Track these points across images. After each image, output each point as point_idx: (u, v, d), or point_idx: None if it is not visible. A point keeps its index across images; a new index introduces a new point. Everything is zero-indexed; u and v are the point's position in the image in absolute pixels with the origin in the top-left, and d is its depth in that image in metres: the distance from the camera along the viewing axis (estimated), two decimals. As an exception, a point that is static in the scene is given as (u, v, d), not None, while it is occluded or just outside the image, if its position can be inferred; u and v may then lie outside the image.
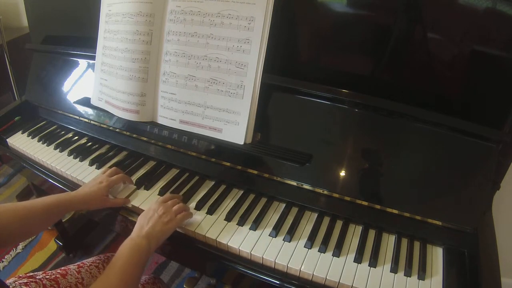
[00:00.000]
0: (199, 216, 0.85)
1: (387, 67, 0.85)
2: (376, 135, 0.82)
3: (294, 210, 0.87)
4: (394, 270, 0.73)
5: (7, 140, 1.17)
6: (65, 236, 1.57)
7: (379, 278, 0.71)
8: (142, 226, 0.74)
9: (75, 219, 1.69)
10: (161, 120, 0.99)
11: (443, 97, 0.82)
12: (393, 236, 0.81)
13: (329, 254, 0.76)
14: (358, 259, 0.75)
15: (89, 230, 1.70)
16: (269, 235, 0.80)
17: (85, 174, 0.99)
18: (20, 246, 1.64)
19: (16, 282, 0.75)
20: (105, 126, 1.08)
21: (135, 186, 0.94)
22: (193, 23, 0.90)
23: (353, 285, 0.70)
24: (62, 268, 0.85)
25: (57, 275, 0.81)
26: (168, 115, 0.97)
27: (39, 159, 1.08)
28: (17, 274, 1.00)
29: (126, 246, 0.69)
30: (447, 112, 0.77)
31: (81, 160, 1.04)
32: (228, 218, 0.84)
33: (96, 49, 1.06)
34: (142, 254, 0.69)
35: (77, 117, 1.14)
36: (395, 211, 0.79)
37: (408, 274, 0.72)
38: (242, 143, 0.89)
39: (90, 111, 1.11)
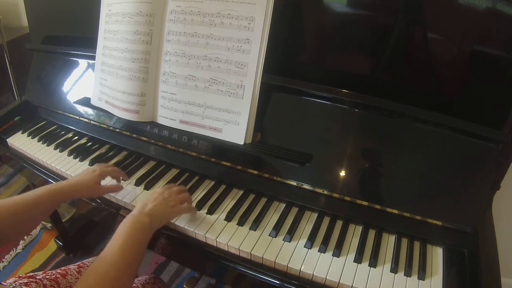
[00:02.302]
0: (199, 216, 0.85)
1: (387, 67, 0.85)
2: (376, 135, 0.82)
3: (294, 210, 0.86)
4: (394, 270, 0.73)
5: (7, 140, 1.17)
6: (65, 236, 1.57)
7: (379, 278, 0.71)
8: (145, 204, 0.73)
9: (75, 219, 1.70)
10: (161, 120, 0.99)
11: (443, 97, 0.82)
12: (393, 236, 0.81)
13: (329, 254, 0.76)
14: (358, 259, 0.75)
15: (89, 230, 1.71)
16: (269, 235, 0.80)
17: (85, 174, 0.99)
18: (20, 246, 1.64)
19: (16, 282, 0.75)
20: (105, 126, 1.08)
21: (135, 186, 0.94)
22: (193, 23, 0.90)
23: (353, 285, 0.70)
24: (62, 268, 0.85)
25: (57, 275, 0.81)
26: (168, 115, 0.97)
27: (39, 159, 1.08)
28: (17, 274, 1.01)
29: (127, 223, 0.67)
30: (447, 112, 0.77)
31: (81, 160, 1.04)
32: (228, 218, 0.84)
33: (96, 49, 1.06)
34: (143, 232, 0.67)
35: (77, 117, 1.14)
36: (395, 211, 0.79)
37: (408, 274, 0.72)
38: (242, 143, 0.89)
39: (90, 111, 1.11)
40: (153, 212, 0.71)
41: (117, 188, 0.89)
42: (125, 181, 0.94)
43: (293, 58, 0.91)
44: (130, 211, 0.89)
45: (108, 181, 0.93)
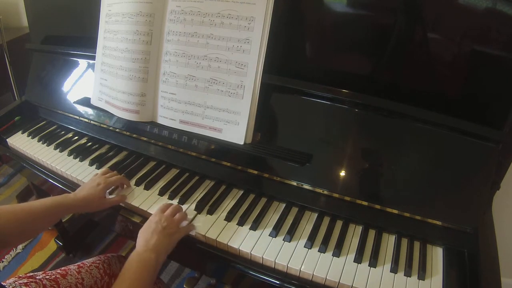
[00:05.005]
0: (199, 217, 0.85)
1: (387, 67, 0.84)
2: (376, 135, 0.82)
3: (294, 210, 0.86)
4: (394, 270, 0.73)
5: (7, 140, 1.17)
6: (65, 236, 1.57)
7: (379, 278, 0.72)
8: (147, 239, 0.72)
9: (75, 219, 1.69)
10: (161, 120, 0.99)
11: (443, 97, 0.82)
12: (393, 236, 0.81)
13: (329, 254, 0.76)
14: (358, 259, 0.75)
15: (89, 230, 1.71)
16: (269, 235, 0.80)
17: (85, 174, 0.99)
18: (20, 246, 1.64)
19: (16, 282, 0.75)
20: (105, 126, 1.08)
21: (135, 186, 0.94)
22: (193, 23, 0.90)
23: (353, 285, 0.70)
24: (62, 268, 0.85)
25: (57, 275, 0.81)
26: (168, 115, 0.97)
27: (39, 159, 1.08)
28: (17, 274, 1.01)
29: (133, 261, 0.67)
30: (447, 112, 0.77)
31: (81, 160, 1.04)
32: (228, 218, 0.84)
33: (96, 49, 1.06)
34: (150, 269, 0.67)
35: (77, 117, 1.14)
36: (395, 211, 0.79)
37: (408, 274, 0.72)
38: (242, 143, 0.89)
39: (90, 111, 1.11)
40: (157, 246, 0.71)
41: (122, 200, 0.89)
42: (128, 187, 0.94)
43: (293, 58, 0.91)
44: (129, 211, 0.89)
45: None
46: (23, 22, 1.85)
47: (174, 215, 0.80)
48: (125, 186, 0.93)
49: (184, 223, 0.82)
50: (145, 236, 0.73)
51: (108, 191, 0.90)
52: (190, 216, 0.84)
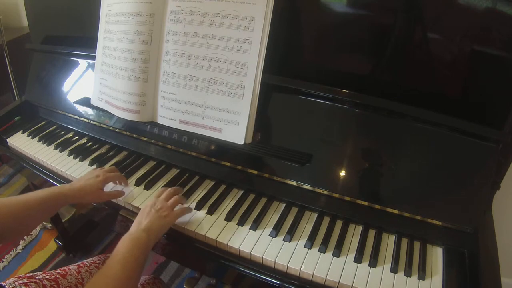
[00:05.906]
0: (199, 216, 0.85)
1: (387, 67, 0.84)
2: (376, 135, 0.82)
3: (294, 210, 0.87)
4: (394, 270, 0.73)
5: (7, 140, 1.17)
6: (65, 236, 1.57)
7: (379, 278, 0.71)
8: (140, 222, 0.74)
9: (75, 219, 1.69)
10: (161, 120, 0.99)
11: (443, 97, 0.82)
12: (393, 236, 0.81)
13: (329, 254, 0.76)
14: (358, 259, 0.75)
15: (89, 230, 1.71)
16: (269, 235, 0.80)
17: (85, 174, 0.99)
18: (20, 246, 1.64)
19: (16, 282, 0.75)
20: (105, 126, 1.08)
21: (135, 186, 0.94)
22: (193, 23, 0.90)
23: (353, 285, 0.70)
24: (62, 268, 0.85)
25: (57, 276, 0.81)
26: (168, 115, 0.97)
27: (39, 159, 1.08)
28: (17, 274, 1.01)
29: (125, 241, 0.69)
30: (447, 112, 0.77)
31: (81, 160, 1.04)
32: (228, 218, 0.84)
33: (96, 49, 1.06)
34: (141, 247, 0.68)
35: (77, 117, 1.14)
36: (395, 211, 0.79)
37: (408, 274, 0.72)
38: (242, 143, 0.89)
39: (90, 111, 1.11)
40: (149, 227, 0.73)
41: (120, 195, 0.89)
42: (125, 187, 0.95)
43: (293, 58, 0.91)
44: (129, 211, 0.89)
45: (110, 186, 0.93)
46: (23, 22, 1.85)
47: (169, 200, 0.82)
48: (123, 185, 0.93)
49: (179, 206, 0.83)
50: (139, 219, 0.75)
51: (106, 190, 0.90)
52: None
